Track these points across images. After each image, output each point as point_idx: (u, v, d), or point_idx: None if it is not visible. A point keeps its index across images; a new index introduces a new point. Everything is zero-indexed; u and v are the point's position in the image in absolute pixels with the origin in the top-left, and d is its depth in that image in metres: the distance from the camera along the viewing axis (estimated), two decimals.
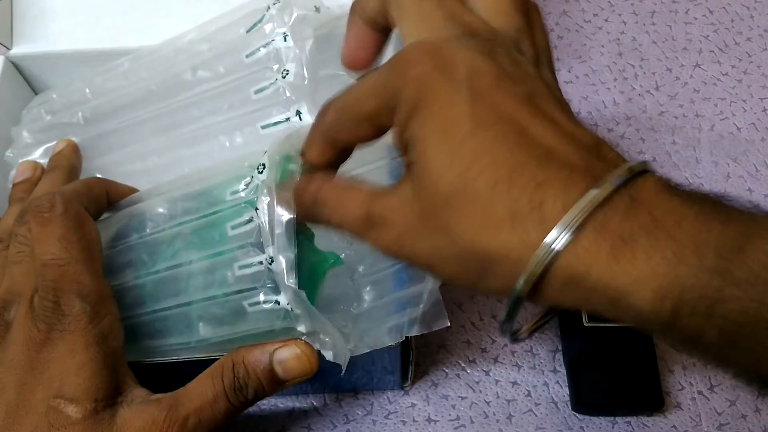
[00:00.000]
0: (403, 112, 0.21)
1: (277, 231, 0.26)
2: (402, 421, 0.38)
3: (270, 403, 0.38)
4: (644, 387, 0.36)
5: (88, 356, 0.26)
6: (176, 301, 0.29)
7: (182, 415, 0.26)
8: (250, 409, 0.38)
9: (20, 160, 0.37)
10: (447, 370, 0.39)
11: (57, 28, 0.40)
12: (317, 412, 0.38)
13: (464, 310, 0.41)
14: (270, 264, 0.26)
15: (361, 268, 0.31)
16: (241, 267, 0.27)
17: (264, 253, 0.26)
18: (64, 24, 0.40)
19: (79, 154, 0.36)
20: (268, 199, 0.26)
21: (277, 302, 0.26)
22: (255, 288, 0.27)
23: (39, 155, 0.37)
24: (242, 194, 0.28)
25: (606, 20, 0.53)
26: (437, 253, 0.21)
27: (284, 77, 0.32)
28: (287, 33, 0.32)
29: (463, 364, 0.39)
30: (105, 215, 0.32)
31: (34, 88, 0.42)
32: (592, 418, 0.37)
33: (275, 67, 0.33)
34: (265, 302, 0.27)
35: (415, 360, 0.39)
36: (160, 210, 0.30)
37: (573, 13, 0.54)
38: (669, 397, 0.38)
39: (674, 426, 0.37)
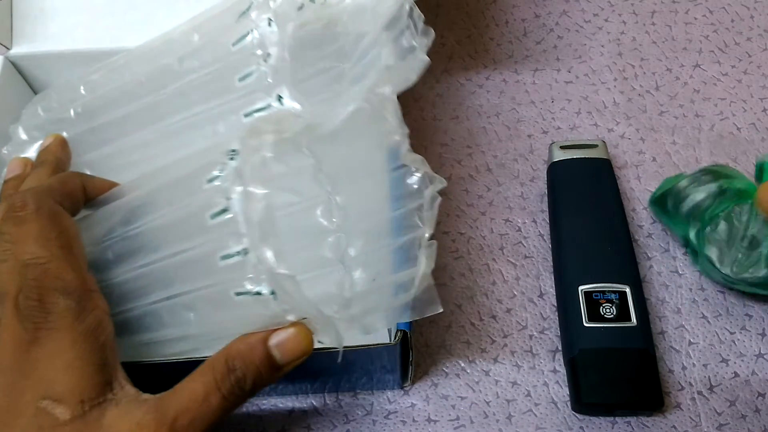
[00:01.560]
0: None
1: (256, 219, 0.25)
2: (402, 421, 0.38)
3: (270, 403, 0.38)
4: (644, 387, 0.36)
5: (74, 354, 0.25)
6: (165, 294, 0.28)
7: (170, 416, 0.25)
8: (250, 409, 0.38)
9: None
10: (447, 370, 0.39)
11: (57, 28, 0.40)
12: (317, 412, 0.38)
13: (464, 311, 0.41)
14: (245, 255, 0.26)
15: (352, 251, 0.30)
16: (223, 257, 0.26)
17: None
18: (63, 24, 0.40)
19: (67, 149, 0.36)
20: (242, 188, 0.26)
21: (259, 293, 0.26)
22: (238, 278, 0.26)
23: (34, 152, 0.37)
24: (217, 183, 0.27)
25: (606, 20, 0.53)
26: None
27: (266, 61, 0.32)
28: (272, 17, 0.32)
29: (463, 364, 0.39)
30: (88, 212, 0.32)
31: (33, 88, 0.42)
32: (591, 418, 0.37)
33: (259, 52, 0.32)
34: (249, 292, 0.26)
35: (415, 360, 0.39)
36: (141, 203, 0.30)
37: (573, 13, 0.54)
38: (669, 397, 0.38)
39: (674, 426, 0.37)
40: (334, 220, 0.30)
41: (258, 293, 0.26)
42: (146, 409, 0.25)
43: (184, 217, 0.28)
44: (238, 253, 0.26)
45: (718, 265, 0.38)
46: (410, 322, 0.32)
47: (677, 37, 0.52)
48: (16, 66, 0.40)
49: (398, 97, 0.39)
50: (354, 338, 0.32)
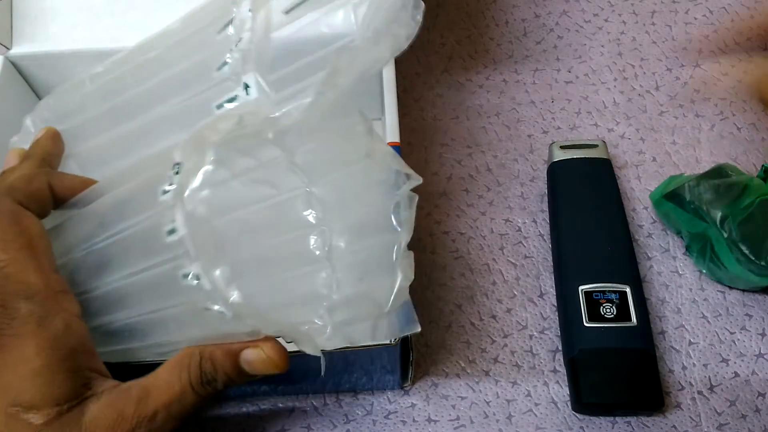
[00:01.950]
0: None
1: (202, 243, 0.24)
2: (402, 421, 0.38)
3: (270, 403, 0.38)
4: (644, 387, 0.36)
5: (40, 362, 0.24)
6: (139, 311, 0.28)
7: (151, 410, 0.25)
8: (250, 409, 0.38)
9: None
10: (447, 370, 0.39)
11: (57, 28, 0.40)
12: (317, 412, 0.38)
13: (464, 311, 0.41)
14: (198, 280, 0.25)
15: (336, 248, 0.28)
16: (184, 276, 0.25)
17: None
18: (63, 24, 0.40)
19: (58, 142, 0.35)
20: (184, 210, 0.24)
21: (223, 313, 0.25)
22: (201, 298, 0.25)
23: None
24: (167, 197, 0.25)
25: (606, 20, 0.53)
26: None
27: (237, 46, 0.30)
28: (251, 3, 0.31)
29: (463, 364, 0.39)
30: (66, 213, 0.31)
31: (33, 87, 0.42)
32: (592, 418, 0.37)
33: (234, 39, 0.31)
34: (214, 311, 0.25)
35: (416, 360, 0.39)
36: (109, 211, 0.29)
37: (573, 13, 0.54)
38: (669, 397, 0.38)
39: (674, 426, 0.37)
40: (314, 213, 0.28)
41: (222, 313, 0.25)
42: (127, 400, 0.25)
43: (145, 230, 0.27)
44: (195, 276, 0.25)
45: (753, 257, 0.37)
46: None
47: (677, 37, 0.52)
48: (16, 66, 0.40)
49: (398, 98, 0.39)
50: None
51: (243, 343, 0.27)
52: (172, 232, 0.25)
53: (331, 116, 0.26)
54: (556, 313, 0.41)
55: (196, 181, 0.25)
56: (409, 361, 0.36)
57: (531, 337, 0.40)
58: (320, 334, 0.27)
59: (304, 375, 0.35)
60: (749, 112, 0.48)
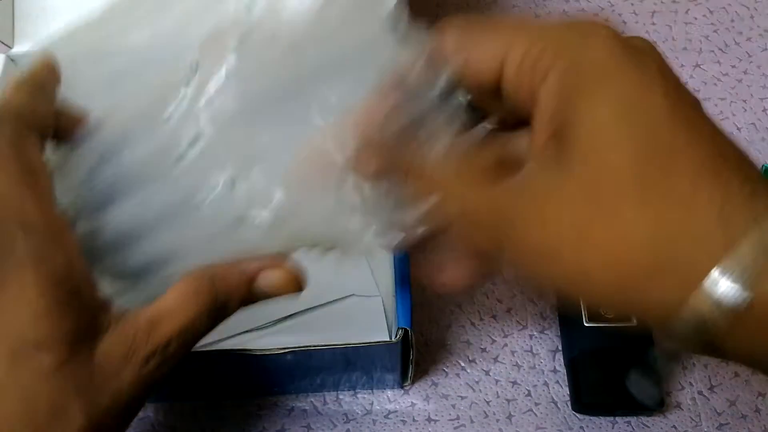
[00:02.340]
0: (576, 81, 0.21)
1: (238, 143, 0.22)
2: (402, 420, 0.38)
3: (270, 403, 0.38)
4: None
5: (44, 302, 0.23)
6: (157, 241, 0.26)
7: (164, 338, 0.24)
8: (250, 409, 0.38)
9: None
10: (447, 370, 0.39)
11: (58, 27, 0.40)
12: (317, 412, 0.38)
13: (464, 311, 0.41)
14: (233, 186, 0.23)
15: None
16: (211, 189, 0.24)
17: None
18: (64, 23, 0.40)
19: (53, 70, 0.30)
20: (212, 105, 0.23)
21: (253, 223, 0.24)
22: (227, 213, 0.24)
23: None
24: (183, 105, 0.24)
25: (606, 20, 0.53)
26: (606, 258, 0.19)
27: None
28: None
29: (463, 364, 0.39)
30: (75, 148, 0.28)
31: None
32: (592, 418, 0.37)
33: None
34: (245, 222, 0.23)
35: (415, 359, 0.39)
36: (114, 140, 0.27)
37: (573, 13, 0.54)
38: (669, 397, 0.38)
39: (674, 426, 0.37)
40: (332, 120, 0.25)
41: (259, 222, 0.24)
42: (137, 331, 0.24)
43: (157, 150, 0.25)
44: (229, 182, 0.23)
45: None
46: (411, 320, 0.32)
47: (677, 37, 0.52)
48: (17, 64, 0.41)
49: None
50: (354, 337, 0.32)
51: (258, 264, 0.26)
52: (194, 140, 0.23)
53: (343, 22, 0.25)
54: (556, 313, 0.41)
55: (220, 76, 0.23)
56: (410, 359, 0.36)
57: (531, 337, 0.40)
58: (368, 234, 0.25)
59: (305, 373, 0.35)
60: (749, 112, 0.48)
